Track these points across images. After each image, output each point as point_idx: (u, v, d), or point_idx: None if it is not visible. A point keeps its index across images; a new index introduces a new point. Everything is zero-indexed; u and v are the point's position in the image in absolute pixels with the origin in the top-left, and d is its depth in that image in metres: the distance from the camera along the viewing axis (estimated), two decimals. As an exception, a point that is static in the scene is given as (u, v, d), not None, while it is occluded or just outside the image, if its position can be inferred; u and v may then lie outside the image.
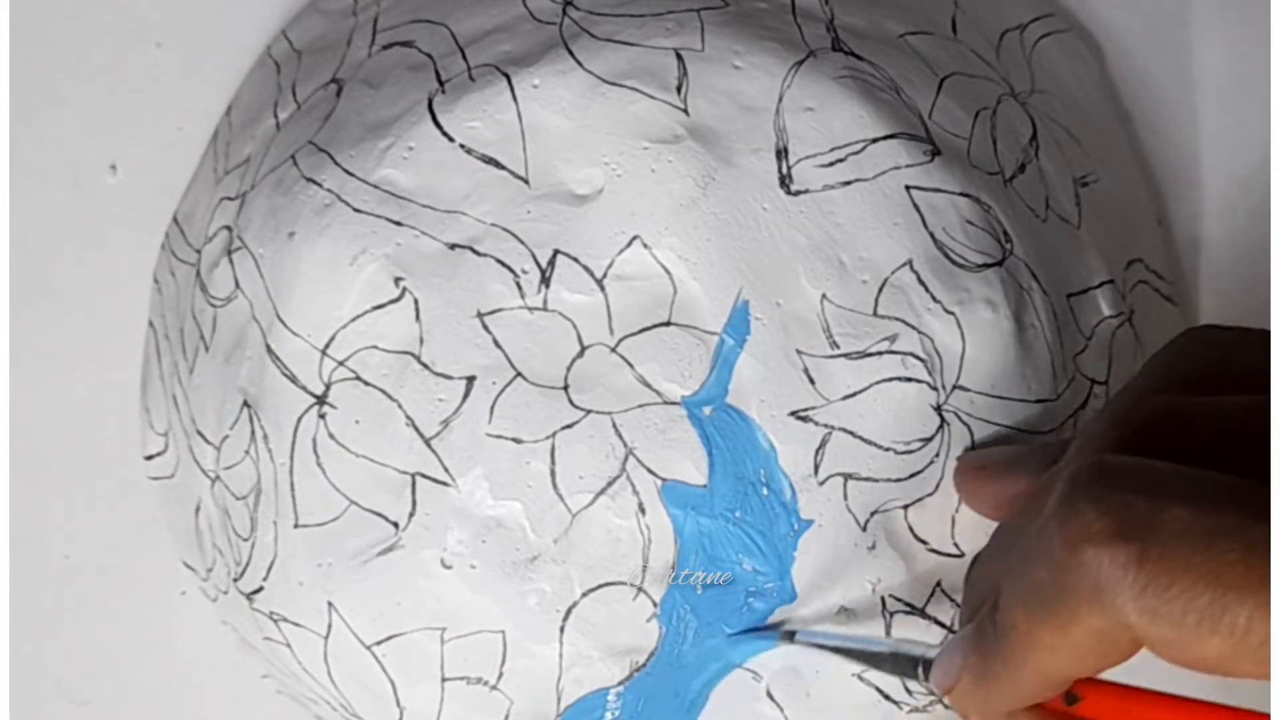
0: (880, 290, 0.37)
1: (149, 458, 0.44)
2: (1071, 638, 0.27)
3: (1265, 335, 0.30)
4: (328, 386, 0.37)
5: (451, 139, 0.37)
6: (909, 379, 0.37)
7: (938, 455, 0.37)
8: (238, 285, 0.39)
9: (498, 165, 0.37)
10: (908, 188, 0.37)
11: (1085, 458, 0.28)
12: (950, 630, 0.37)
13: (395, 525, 0.37)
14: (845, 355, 0.37)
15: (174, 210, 0.45)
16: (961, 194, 0.38)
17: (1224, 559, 0.25)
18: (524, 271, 0.37)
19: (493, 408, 0.36)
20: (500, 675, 0.37)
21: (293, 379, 0.37)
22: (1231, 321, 0.45)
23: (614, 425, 0.36)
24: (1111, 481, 0.27)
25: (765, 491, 0.36)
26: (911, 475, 0.37)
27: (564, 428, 0.36)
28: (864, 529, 0.37)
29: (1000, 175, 0.39)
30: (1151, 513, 0.26)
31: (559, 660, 0.36)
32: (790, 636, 0.36)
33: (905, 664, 0.34)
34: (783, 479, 0.36)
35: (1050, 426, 0.38)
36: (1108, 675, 0.29)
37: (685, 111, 0.37)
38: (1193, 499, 0.26)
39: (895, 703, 0.37)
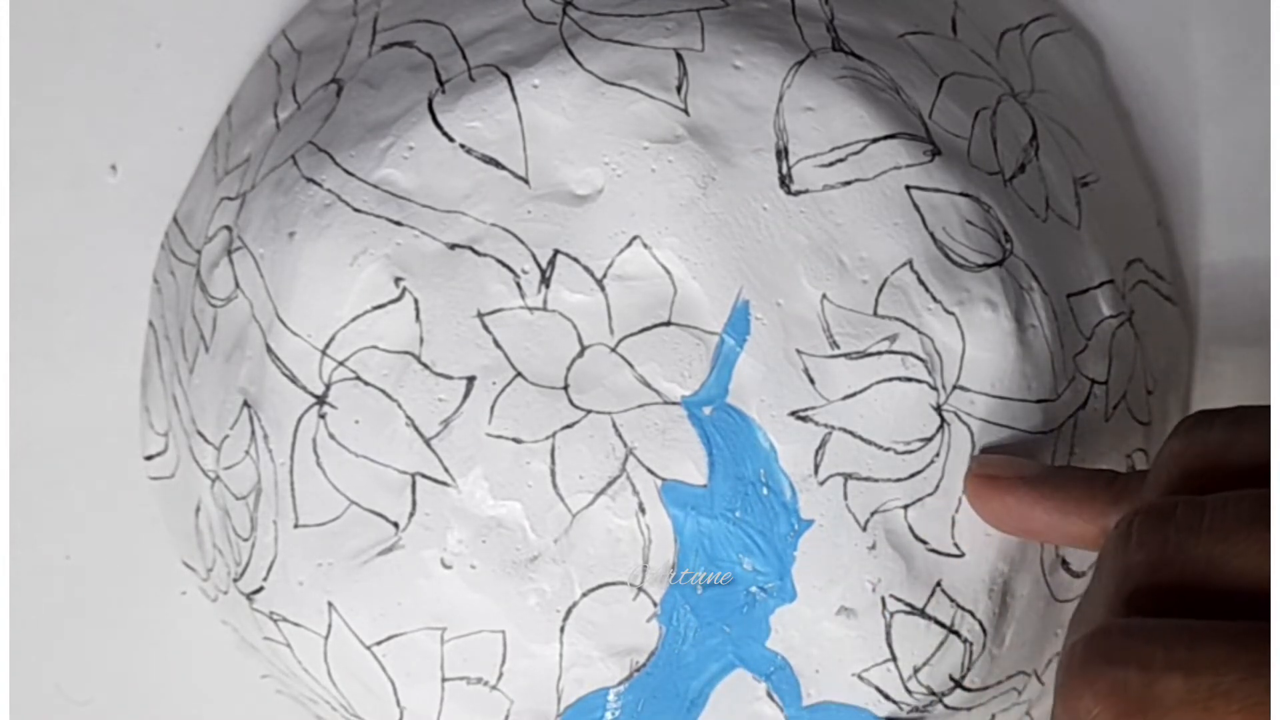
0: (880, 290, 0.37)
1: (149, 458, 0.44)
2: None
3: (1263, 411, 0.29)
4: (328, 386, 0.37)
5: (451, 139, 0.37)
6: (909, 379, 0.37)
7: (938, 455, 0.37)
8: (238, 285, 0.39)
9: (498, 165, 0.37)
10: (908, 188, 0.37)
11: (1089, 617, 0.28)
12: (951, 631, 0.37)
13: (395, 525, 0.37)
14: (845, 355, 0.37)
15: (174, 210, 0.45)
16: (962, 194, 0.38)
17: None
18: (524, 271, 0.37)
19: (493, 408, 0.36)
20: (500, 675, 0.37)
21: (293, 379, 0.37)
22: (1231, 322, 0.45)
23: (614, 425, 0.36)
24: (1108, 656, 0.27)
25: (765, 491, 0.36)
26: (911, 475, 0.37)
27: (564, 428, 0.36)
28: (864, 529, 0.37)
29: (1000, 175, 0.39)
30: (1146, 687, 0.26)
31: (559, 660, 0.36)
32: None
33: None
34: (783, 479, 0.36)
35: (1050, 426, 0.38)
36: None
37: (685, 111, 0.37)
38: (1189, 664, 0.26)
39: (895, 702, 0.37)
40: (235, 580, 0.40)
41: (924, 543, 0.37)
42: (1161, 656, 0.26)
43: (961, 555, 0.37)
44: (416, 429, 0.36)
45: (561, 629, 0.36)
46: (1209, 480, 0.29)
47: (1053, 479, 0.34)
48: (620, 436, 0.36)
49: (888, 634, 0.37)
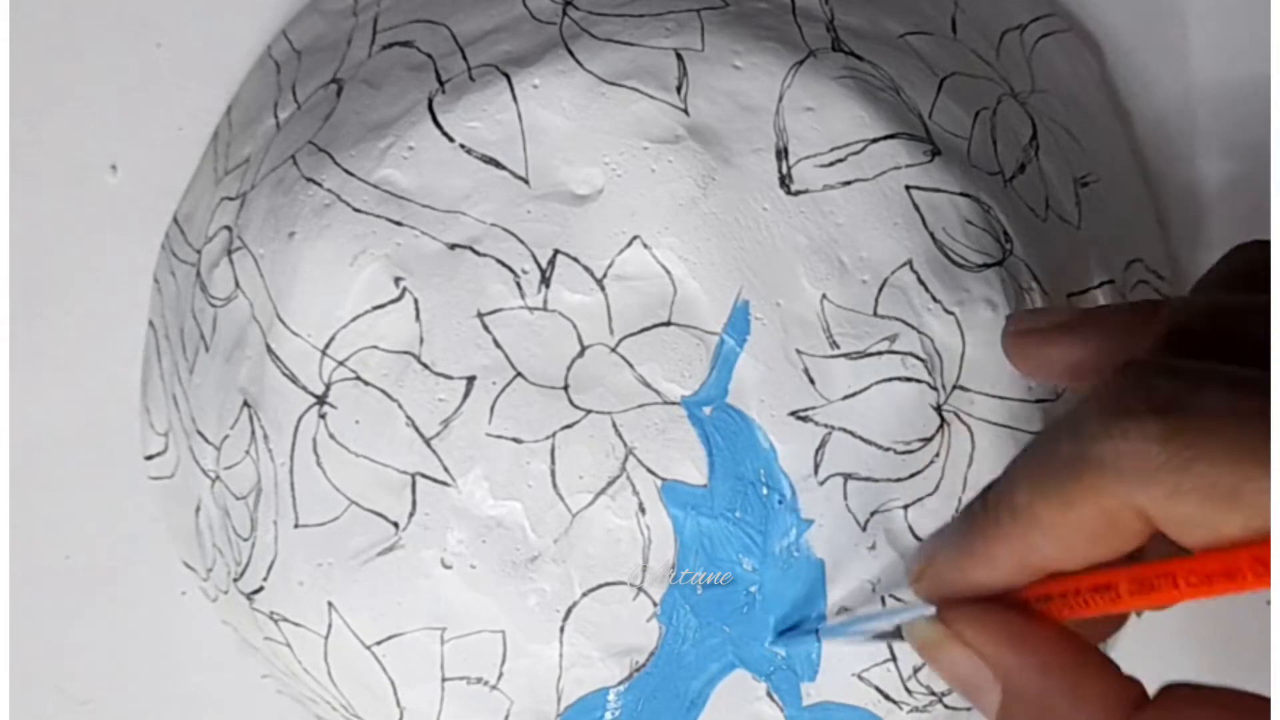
0: (880, 290, 0.37)
1: (149, 458, 0.44)
2: (1074, 516, 0.27)
3: None
4: (328, 386, 0.37)
5: (451, 139, 0.37)
6: (909, 379, 0.37)
7: (938, 455, 0.37)
8: (238, 285, 0.39)
9: (498, 165, 0.37)
10: (908, 188, 0.37)
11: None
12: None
13: (395, 525, 0.37)
14: (845, 355, 0.37)
15: (174, 210, 0.45)
16: (961, 194, 0.38)
17: (1249, 436, 0.25)
18: (524, 271, 0.37)
19: (493, 408, 0.36)
20: (500, 675, 0.37)
21: (293, 379, 0.37)
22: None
23: (614, 425, 0.36)
24: (1156, 367, 0.27)
25: (765, 491, 0.36)
26: (911, 475, 0.37)
27: (564, 428, 0.36)
28: (864, 529, 0.37)
29: (1000, 175, 0.39)
30: (1189, 392, 0.26)
31: (559, 660, 0.36)
32: (816, 634, 0.36)
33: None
34: (782, 479, 0.36)
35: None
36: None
37: (685, 111, 0.37)
38: (1232, 382, 0.26)
39: (895, 702, 0.37)
40: (235, 580, 0.40)
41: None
42: (1199, 373, 0.26)
43: (961, 555, 0.37)
44: (416, 429, 0.36)
45: (561, 629, 0.36)
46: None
47: (1092, 318, 0.33)
48: (620, 436, 0.36)
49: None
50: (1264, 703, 0.27)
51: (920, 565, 0.31)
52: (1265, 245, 0.31)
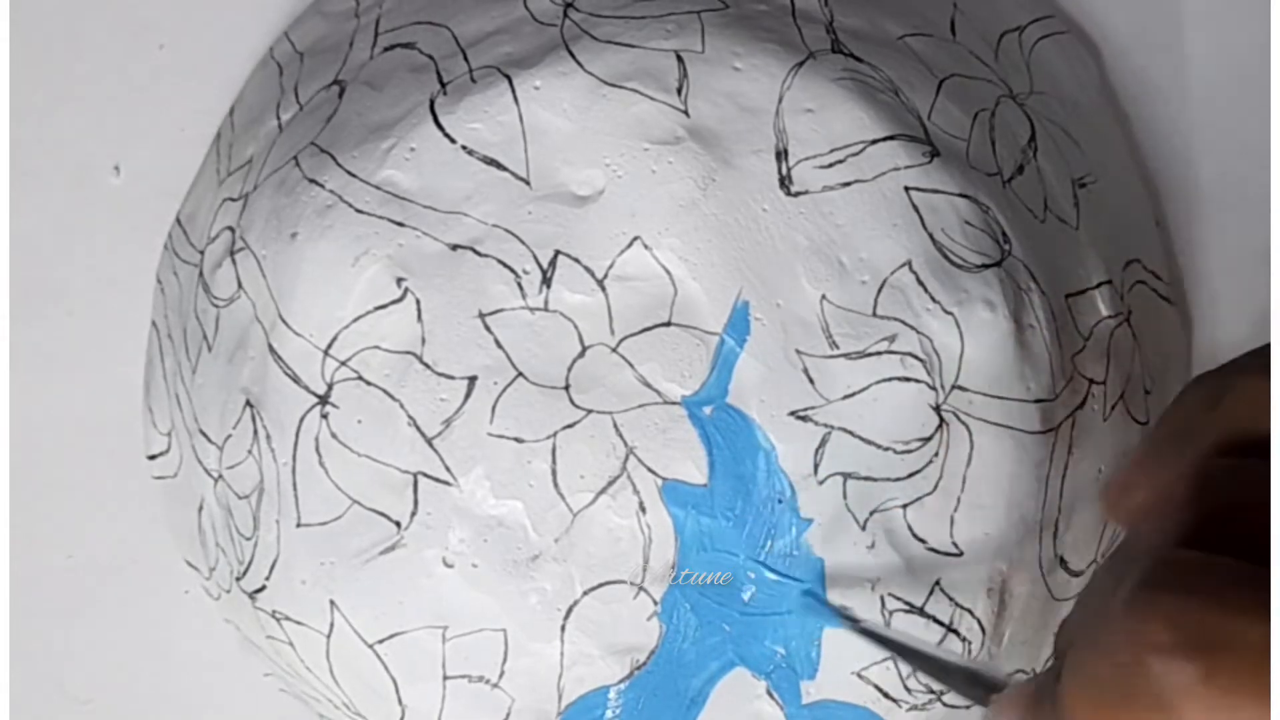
0: (879, 290, 0.37)
1: (152, 457, 0.44)
2: None
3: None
4: (330, 386, 0.37)
5: (453, 140, 0.38)
6: (908, 379, 0.37)
7: (937, 455, 0.37)
8: (240, 286, 0.39)
9: (499, 166, 0.37)
10: (907, 189, 0.37)
11: (1158, 546, 0.27)
12: (950, 629, 0.37)
13: (397, 524, 0.37)
14: (845, 355, 0.37)
15: (177, 211, 0.45)
16: (960, 195, 0.38)
17: None
18: (525, 272, 0.37)
19: (494, 407, 0.36)
20: (502, 674, 0.37)
21: (295, 379, 0.38)
22: (1229, 322, 0.45)
23: (615, 425, 0.36)
24: (1182, 587, 0.26)
25: (765, 491, 0.36)
26: (911, 475, 0.37)
27: (565, 427, 0.36)
28: (863, 528, 0.37)
29: (999, 176, 0.39)
30: (1221, 627, 0.25)
31: (560, 659, 0.36)
32: (855, 624, 0.36)
33: (976, 689, 0.33)
34: (782, 478, 0.36)
35: (1048, 426, 0.38)
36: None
37: (685, 113, 0.37)
38: (1265, 613, 0.25)
39: (895, 701, 0.37)
40: (238, 579, 0.40)
41: (923, 542, 0.37)
42: (1238, 598, 0.25)
43: (960, 554, 0.37)
44: (418, 428, 0.37)
45: (562, 627, 0.36)
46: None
47: (1155, 451, 0.32)
48: (621, 436, 0.36)
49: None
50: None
51: None
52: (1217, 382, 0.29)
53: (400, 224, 0.37)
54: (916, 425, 0.37)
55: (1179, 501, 0.28)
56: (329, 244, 0.38)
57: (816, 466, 0.36)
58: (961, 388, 0.37)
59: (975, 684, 0.34)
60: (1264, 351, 0.29)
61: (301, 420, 0.37)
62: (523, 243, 0.37)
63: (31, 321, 0.45)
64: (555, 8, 0.39)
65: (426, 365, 0.37)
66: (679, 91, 0.37)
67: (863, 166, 0.37)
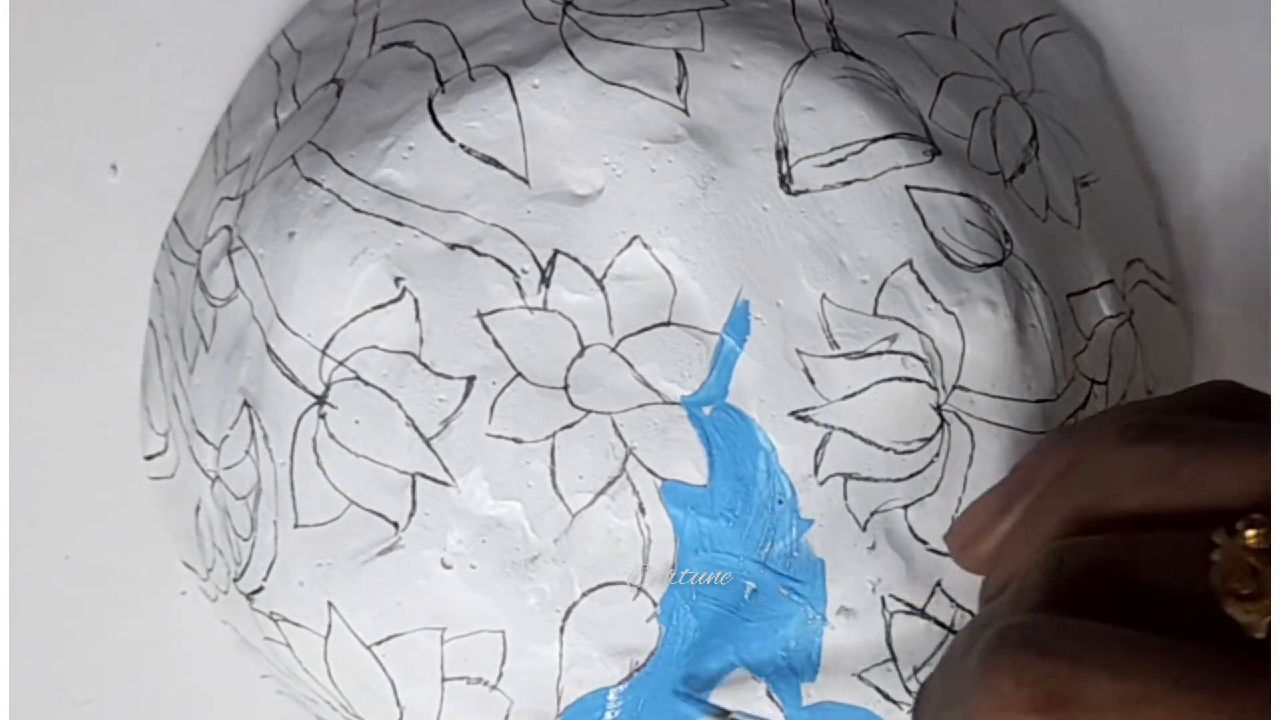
0: (880, 290, 0.37)
1: (149, 457, 0.44)
2: None
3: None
4: (328, 386, 0.37)
5: (451, 139, 0.37)
6: (909, 379, 0.37)
7: (938, 455, 0.37)
8: (238, 285, 0.39)
9: (498, 165, 0.37)
10: (908, 188, 0.37)
11: (1003, 614, 0.27)
12: (951, 631, 0.37)
13: (395, 525, 0.37)
14: (845, 355, 0.37)
15: (174, 210, 0.45)
16: (961, 194, 0.38)
17: None
18: (524, 271, 0.37)
19: (493, 408, 0.36)
20: (500, 675, 0.37)
21: (293, 379, 0.37)
22: (1230, 321, 0.45)
23: (614, 425, 0.36)
24: (1036, 647, 0.26)
25: (765, 491, 0.36)
26: (911, 475, 0.37)
27: (564, 428, 0.36)
28: (864, 529, 0.37)
29: (1000, 175, 0.39)
30: (1072, 683, 0.25)
31: (559, 660, 0.36)
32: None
33: None
34: (782, 479, 0.36)
35: (1050, 427, 0.38)
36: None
37: (685, 111, 0.37)
38: (1115, 668, 0.25)
39: (895, 702, 0.37)
40: (235, 580, 0.40)
41: (924, 543, 0.37)
42: (1088, 654, 0.25)
43: (961, 555, 0.37)
44: (416, 429, 0.36)
45: (561, 629, 0.36)
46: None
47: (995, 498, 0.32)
48: (620, 436, 0.36)
49: (888, 634, 0.37)
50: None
51: None
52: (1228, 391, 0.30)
53: (398, 223, 0.37)
54: (917, 425, 0.37)
55: (1031, 580, 0.28)
56: (327, 243, 0.37)
57: (817, 467, 0.36)
58: (963, 388, 0.37)
59: None
60: (1124, 418, 0.29)
61: (299, 420, 0.37)
62: (521, 242, 0.37)
63: (28, 321, 0.45)
64: (554, 6, 0.39)
65: (425, 365, 0.37)
66: (679, 90, 0.37)
67: (863, 165, 0.37)
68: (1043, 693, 0.25)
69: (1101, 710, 0.25)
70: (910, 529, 0.37)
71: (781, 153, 0.37)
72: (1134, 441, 0.28)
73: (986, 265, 0.37)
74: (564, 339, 0.37)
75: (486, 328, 0.37)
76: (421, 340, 0.37)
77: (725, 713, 0.36)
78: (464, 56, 0.39)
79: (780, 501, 0.36)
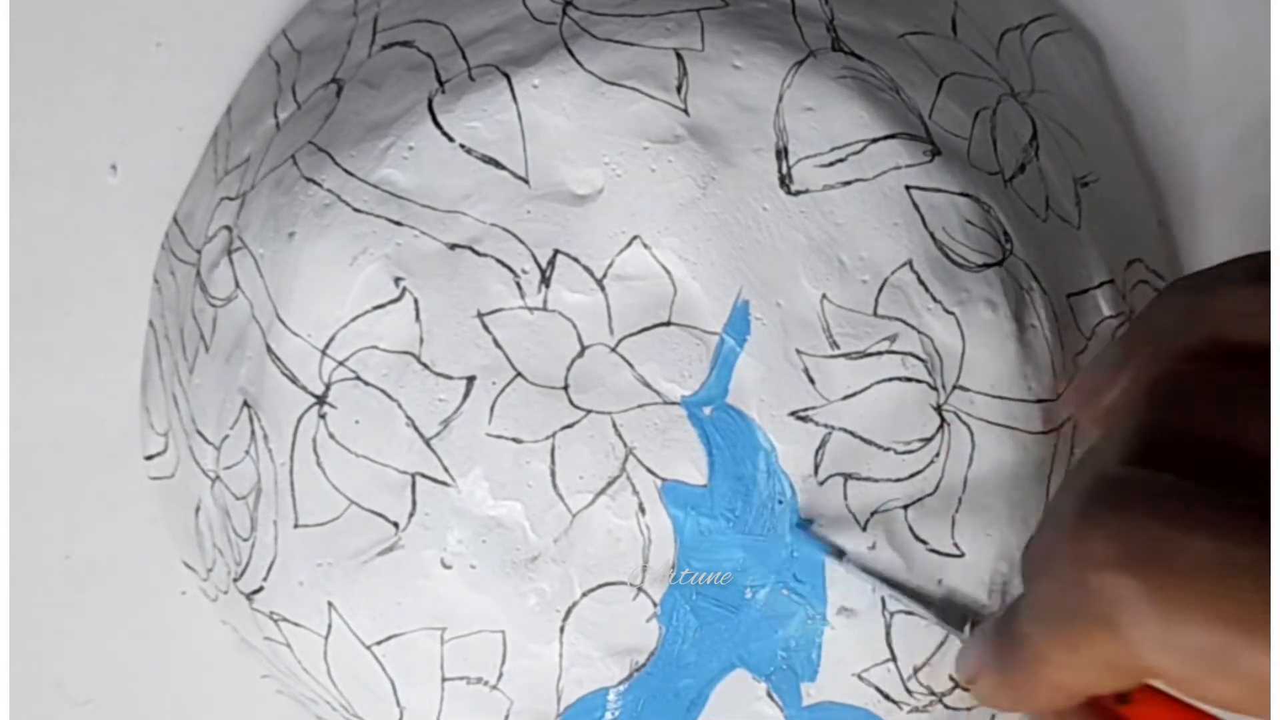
0: (880, 290, 0.37)
1: (149, 458, 0.44)
2: (1081, 658, 0.26)
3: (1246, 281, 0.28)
4: (328, 386, 0.37)
5: (451, 139, 0.37)
6: (909, 379, 0.37)
7: (938, 455, 0.37)
8: (238, 285, 0.39)
9: (498, 165, 0.37)
10: (908, 187, 0.37)
11: (1100, 464, 0.27)
12: (950, 631, 0.37)
13: (395, 525, 0.37)
14: (845, 355, 0.37)
15: (174, 210, 0.45)
16: (961, 194, 0.38)
17: (1241, 598, 0.24)
18: (524, 271, 0.37)
19: (493, 408, 0.36)
20: (500, 675, 0.37)
21: (293, 379, 0.37)
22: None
23: (614, 425, 0.36)
24: (1123, 504, 0.25)
25: (765, 491, 0.36)
26: (911, 475, 0.37)
27: (564, 428, 0.36)
28: (864, 529, 0.37)
29: (1000, 175, 0.39)
30: (1165, 542, 0.24)
31: (559, 660, 0.36)
32: (840, 555, 0.36)
33: (953, 615, 0.35)
34: (783, 479, 0.36)
35: (1050, 427, 0.38)
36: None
37: (685, 111, 0.37)
38: (1211, 529, 0.24)
39: (895, 702, 0.37)
40: (235, 580, 0.40)
41: (924, 543, 0.37)
42: (1183, 514, 0.25)
43: (961, 555, 0.37)
44: (416, 429, 0.36)
45: (561, 629, 0.36)
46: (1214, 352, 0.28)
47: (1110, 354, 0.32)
48: (620, 436, 0.36)
49: (888, 634, 0.37)
50: None
51: (968, 675, 0.32)
52: (1196, 290, 0.29)
53: (398, 223, 0.37)
54: (917, 425, 0.37)
55: (1136, 407, 0.28)
56: (327, 243, 0.37)
57: (817, 467, 0.36)
58: (963, 388, 0.37)
59: (953, 613, 0.35)
60: (1249, 261, 0.29)
61: (299, 420, 0.37)
62: (521, 242, 0.37)
63: (28, 321, 0.45)
64: (554, 6, 0.39)
65: (425, 365, 0.37)
66: (679, 90, 0.37)
67: (863, 165, 0.37)
68: (1133, 551, 0.25)
69: (1193, 573, 0.24)
70: (910, 529, 0.37)
71: (781, 153, 0.37)
72: (1254, 280, 0.28)
73: (987, 265, 0.37)
74: (564, 339, 0.37)
75: (486, 328, 0.37)
76: (421, 340, 0.37)
77: (842, 552, 0.36)
78: (464, 56, 0.39)
79: (780, 501, 0.36)
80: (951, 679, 0.37)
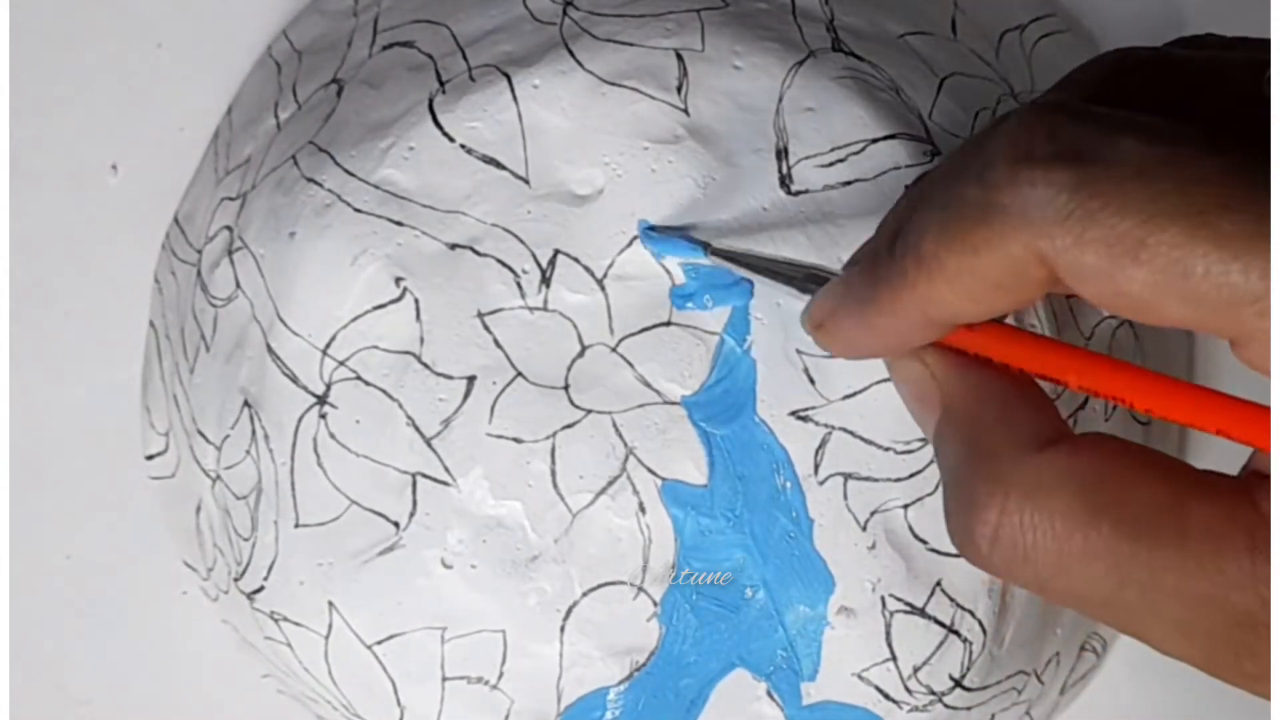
0: (880, 290, 0.37)
1: (150, 457, 0.44)
2: (980, 264, 0.25)
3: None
4: (328, 386, 0.37)
5: (452, 139, 0.38)
6: (909, 379, 0.37)
7: (938, 455, 0.37)
8: (238, 285, 0.39)
9: (498, 165, 0.37)
10: (908, 188, 0.37)
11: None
12: (951, 630, 0.37)
13: (396, 525, 0.37)
14: (845, 355, 0.37)
15: (175, 210, 0.45)
16: (961, 194, 0.38)
17: (1159, 187, 0.24)
18: (524, 271, 0.37)
19: (493, 407, 0.36)
20: (501, 675, 0.37)
21: (293, 379, 0.37)
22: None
23: (614, 425, 0.36)
24: (1067, 112, 0.25)
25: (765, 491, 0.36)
26: (911, 475, 0.37)
27: (564, 427, 0.36)
28: (864, 528, 0.37)
29: (1000, 175, 0.39)
30: (1100, 141, 0.24)
31: (559, 660, 0.36)
32: (706, 247, 0.35)
33: (818, 285, 0.31)
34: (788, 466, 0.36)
35: (1050, 426, 0.38)
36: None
37: (685, 112, 0.37)
38: (1145, 131, 0.24)
39: (895, 702, 0.37)
40: (236, 580, 0.40)
41: (924, 542, 0.37)
42: (1124, 122, 0.25)
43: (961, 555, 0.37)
44: (417, 429, 0.37)
45: (562, 628, 0.36)
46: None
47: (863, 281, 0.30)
48: (620, 436, 0.36)
49: (888, 633, 0.37)
50: (1176, 464, 0.26)
51: (821, 314, 0.30)
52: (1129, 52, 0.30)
53: (399, 223, 0.37)
54: (918, 426, 0.37)
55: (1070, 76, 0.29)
56: (327, 243, 0.37)
57: (817, 467, 0.36)
58: (962, 388, 0.37)
59: (817, 282, 0.32)
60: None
61: (300, 420, 0.37)
62: (522, 242, 0.37)
63: (29, 321, 0.45)
64: (554, 6, 0.39)
65: (425, 365, 0.37)
66: (679, 90, 0.37)
67: (863, 165, 0.37)
68: (1069, 146, 0.25)
69: (1120, 166, 0.24)
70: (910, 529, 0.37)
71: (781, 153, 0.37)
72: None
73: (986, 265, 0.37)
74: (564, 339, 0.37)
75: (487, 328, 0.37)
76: (422, 340, 0.37)
77: (707, 245, 0.35)
78: (464, 57, 0.39)
79: (788, 485, 0.36)
80: (951, 678, 0.37)
